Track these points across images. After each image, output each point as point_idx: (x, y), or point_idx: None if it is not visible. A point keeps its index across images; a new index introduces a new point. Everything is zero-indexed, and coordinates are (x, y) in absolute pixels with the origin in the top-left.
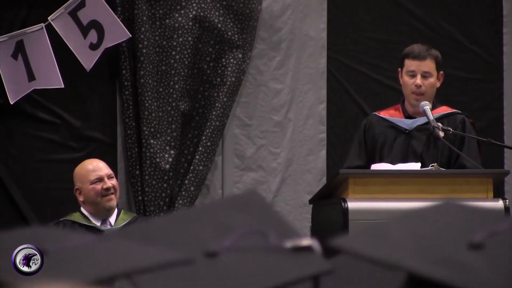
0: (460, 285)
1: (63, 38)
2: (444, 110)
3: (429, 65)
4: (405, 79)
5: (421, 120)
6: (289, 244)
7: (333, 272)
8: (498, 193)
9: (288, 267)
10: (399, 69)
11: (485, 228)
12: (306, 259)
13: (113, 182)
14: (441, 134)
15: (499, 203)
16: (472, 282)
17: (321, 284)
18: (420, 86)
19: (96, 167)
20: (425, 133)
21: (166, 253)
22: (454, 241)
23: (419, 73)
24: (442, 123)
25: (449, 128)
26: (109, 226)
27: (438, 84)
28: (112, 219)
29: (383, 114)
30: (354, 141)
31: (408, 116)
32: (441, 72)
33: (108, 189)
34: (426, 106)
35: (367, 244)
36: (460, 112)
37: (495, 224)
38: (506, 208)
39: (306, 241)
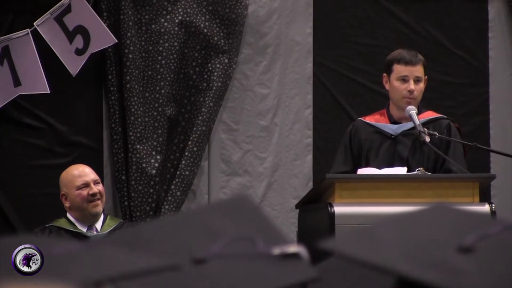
0: None
1: (49, 43)
2: (429, 115)
3: (420, 70)
4: (396, 84)
5: (407, 125)
6: (276, 250)
7: (320, 279)
8: (485, 197)
9: (275, 274)
10: (384, 74)
11: (476, 231)
12: (294, 266)
13: (99, 187)
14: (427, 138)
15: (486, 207)
16: (463, 285)
17: None
18: (413, 91)
19: (82, 172)
20: (411, 138)
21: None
22: (445, 244)
23: (412, 78)
24: (428, 128)
25: (435, 133)
26: (95, 232)
27: (423, 89)
28: (98, 224)
29: (369, 119)
30: (340, 147)
31: (393, 121)
32: (426, 77)
33: (94, 194)
34: (412, 110)
35: (358, 246)
36: (445, 117)
37: (486, 227)
38: (493, 212)
39: (294, 248)
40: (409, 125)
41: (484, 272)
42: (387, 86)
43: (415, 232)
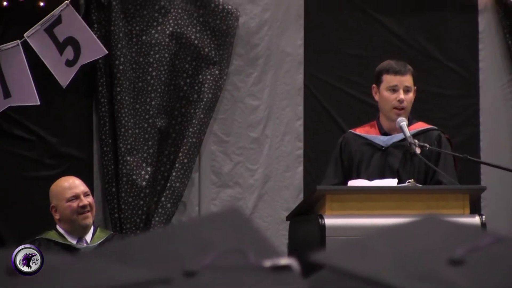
0: None
1: (39, 54)
2: (420, 126)
3: (409, 79)
4: (386, 94)
5: (397, 137)
6: (268, 263)
7: None
8: (475, 209)
9: (266, 287)
10: (374, 85)
11: (466, 244)
12: (285, 279)
13: (89, 199)
14: (418, 150)
15: (476, 219)
16: None
17: None
18: (403, 101)
19: (72, 184)
20: (402, 150)
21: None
22: (435, 256)
23: (402, 88)
24: (418, 139)
25: (425, 144)
26: (85, 244)
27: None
28: (88, 237)
29: (359, 131)
30: (330, 160)
31: (384, 133)
32: (415, 87)
33: (84, 206)
34: (403, 122)
35: (348, 259)
36: (436, 128)
37: (476, 240)
38: (483, 224)
39: (285, 260)
40: (399, 136)
41: (474, 284)
42: (376, 97)
43: (406, 244)
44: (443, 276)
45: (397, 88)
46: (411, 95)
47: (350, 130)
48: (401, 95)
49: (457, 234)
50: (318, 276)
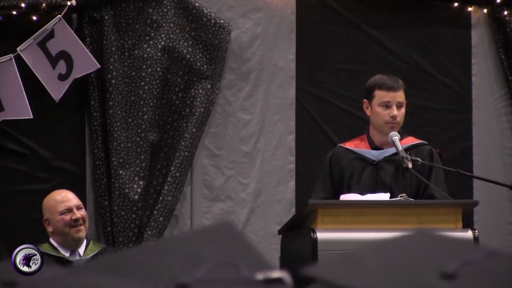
0: None
1: (32, 68)
2: (410, 140)
3: (401, 95)
4: (378, 110)
5: (389, 151)
6: (260, 276)
7: None
8: (468, 224)
9: None
10: (365, 100)
11: (458, 258)
12: None
13: (82, 212)
14: (410, 164)
15: (468, 233)
16: None
17: None
18: (396, 116)
19: (65, 197)
20: (393, 164)
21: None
22: (427, 271)
23: (395, 104)
24: (410, 154)
25: (417, 159)
26: (78, 257)
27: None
28: (81, 249)
29: (349, 145)
30: (319, 174)
31: (375, 147)
32: (406, 101)
33: (77, 220)
34: (395, 136)
35: (340, 272)
36: (426, 143)
37: (468, 254)
38: (476, 238)
39: (277, 273)
40: (391, 151)
41: None
42: (368, 112)
43: (398, 258)
44: None
45: (390, 104)
46: (403, 110)
47: (340, 145)
48: (394, 111)
49: (449, 248)
50: None
